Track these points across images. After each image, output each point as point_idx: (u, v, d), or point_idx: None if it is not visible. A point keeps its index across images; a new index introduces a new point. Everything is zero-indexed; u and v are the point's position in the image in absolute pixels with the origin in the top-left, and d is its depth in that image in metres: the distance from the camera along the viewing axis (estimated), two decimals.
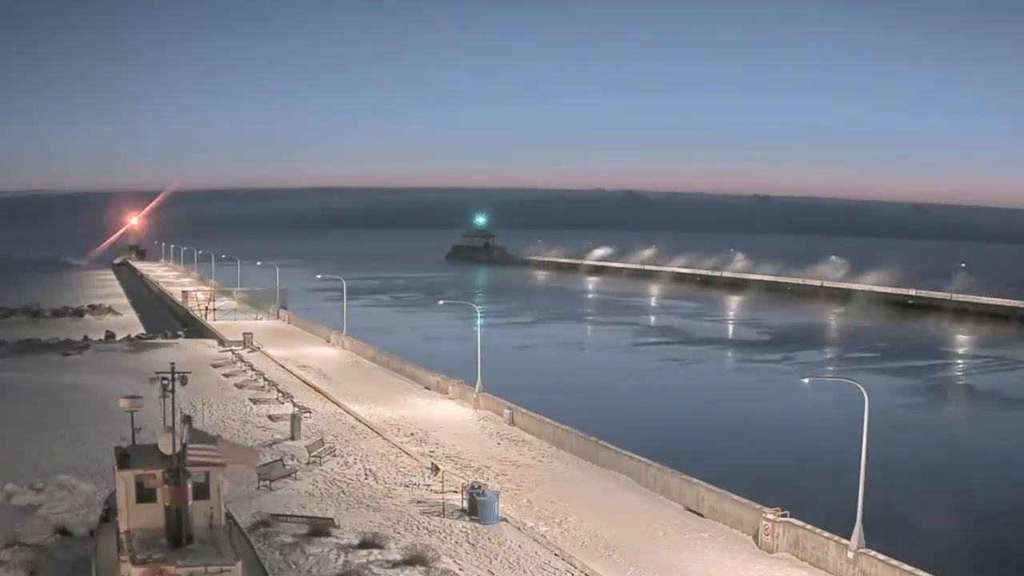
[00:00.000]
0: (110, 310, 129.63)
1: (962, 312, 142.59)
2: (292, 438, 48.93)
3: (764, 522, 33.80)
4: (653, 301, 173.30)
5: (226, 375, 69.52)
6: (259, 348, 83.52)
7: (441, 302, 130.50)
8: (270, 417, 54.64)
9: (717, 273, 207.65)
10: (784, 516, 33.55)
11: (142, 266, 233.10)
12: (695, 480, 38.60)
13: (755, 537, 34.37)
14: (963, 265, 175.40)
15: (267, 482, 39.94)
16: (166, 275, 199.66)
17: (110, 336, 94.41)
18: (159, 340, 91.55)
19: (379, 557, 31.19)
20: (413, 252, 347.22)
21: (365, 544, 32.13)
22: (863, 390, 31.62)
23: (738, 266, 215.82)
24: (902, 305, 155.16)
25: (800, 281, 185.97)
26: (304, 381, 67.97)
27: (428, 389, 65.23)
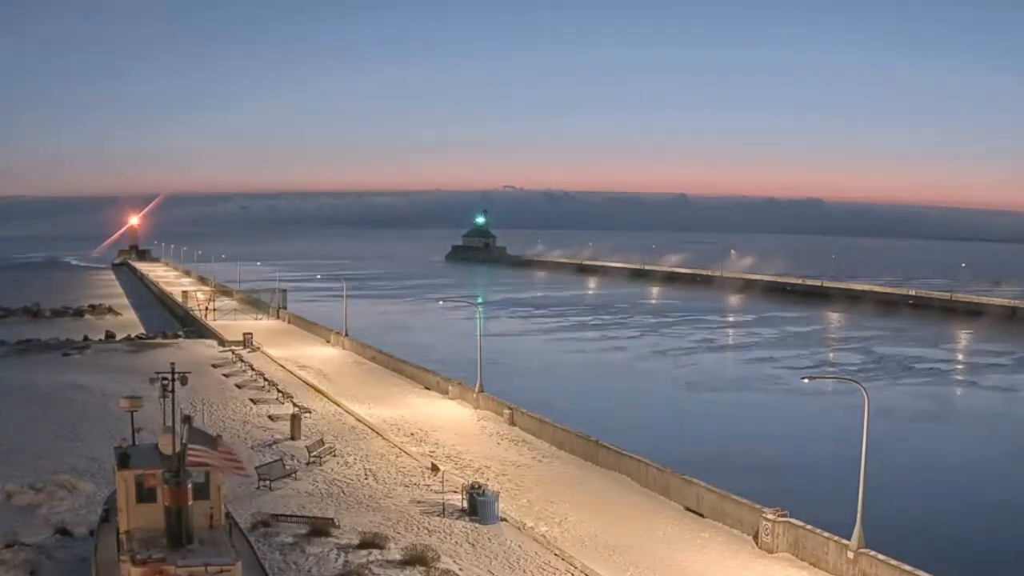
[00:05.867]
0: (110, 310, 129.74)
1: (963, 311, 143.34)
2: (292, 438, 48.89)
3: (764, 522, 33.76)
4: (653, 301, 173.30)
5: (226, 375, 69.48)
6: (259, 348, 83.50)
7: (440, 302, 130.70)
8: (270, 417, 54.60)
9: (717, 273, 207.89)
10: (784, 516, 33.50)
11: (142, 266, 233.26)
12: (695, 480, 38.52)
13: (755, 537, 34.34)
14: (963, 265, 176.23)
15: (267, 482, 39.91)
16: (166, 275, 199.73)
17: (110, 336, 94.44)
18: (159, 340, 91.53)
19: (379, 557, 31.16)
20: (413, 252, 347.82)
21: (365, 544, 32.09)
22: (863, 390, 31.56)
23: (744, 266, 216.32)
24: (902, 304, 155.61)
25: (800, 281, 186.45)
26: (304, 381, 67.93)
27: (428, 389, 65.19)
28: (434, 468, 42.91)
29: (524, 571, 31.05)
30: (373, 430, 52.12)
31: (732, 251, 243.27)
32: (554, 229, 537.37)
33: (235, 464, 24.74)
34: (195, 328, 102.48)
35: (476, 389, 58.82)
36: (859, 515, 30.47)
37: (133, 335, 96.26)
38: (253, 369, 71.48)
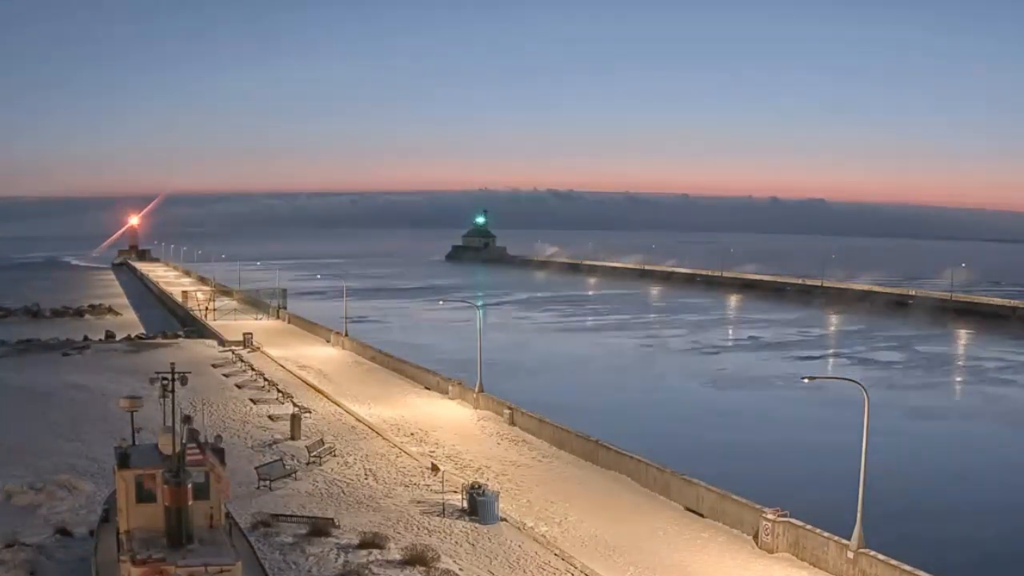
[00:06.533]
0: (110, 310, 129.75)
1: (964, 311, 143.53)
2: (292, 438, 48.90)
3: (764, 522, 33.77)
4: (652, 301, 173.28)
5: (226, 375, 69.49)
6: (259, 348, 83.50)
7: (441, 302, 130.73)
8: (270, 417, 54.61)
9: (718, 273, 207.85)
10: (784, 516, 33.50)
11: (142, 266, 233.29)
12: (695, 480, 38.54)
13: (755, 537, 34.34)
14: (963, 265, 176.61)
15: (267, 482, 39.93)
16: (166, 275, 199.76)
17: (110, 336, 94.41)
18: (159, 340, 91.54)
19: (379, 557, 31.17)
20: (414, 252, 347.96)
21: (365, 544, 32.11)
22: (863, 389, 31.55)
23: (744, 267, 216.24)
24: (903, 304, 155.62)
25: (800, 281, 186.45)
26: (304, 381, 67.94)
27: (428, 389, 65.19)
28: (434, 468, 42.92)
29: (524, 571, 31.06)
30: (373, 430, 52.13)
31: (732, 251, 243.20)
32: (554, 229, 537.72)
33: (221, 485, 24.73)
34: (195, 328, 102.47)
35: (476, 389, 58.82)
36: (859, 515, 30.47)
37: (133, 335, 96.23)
38: (253, 369, 71.49)
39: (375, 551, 31.62)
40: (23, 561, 29.96)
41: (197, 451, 24.68)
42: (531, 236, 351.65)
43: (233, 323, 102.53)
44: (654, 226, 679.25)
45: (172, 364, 27.07)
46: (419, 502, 38.41)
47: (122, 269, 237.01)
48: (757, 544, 34.04)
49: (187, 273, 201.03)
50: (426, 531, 34.68)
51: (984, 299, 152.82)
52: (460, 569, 30.77)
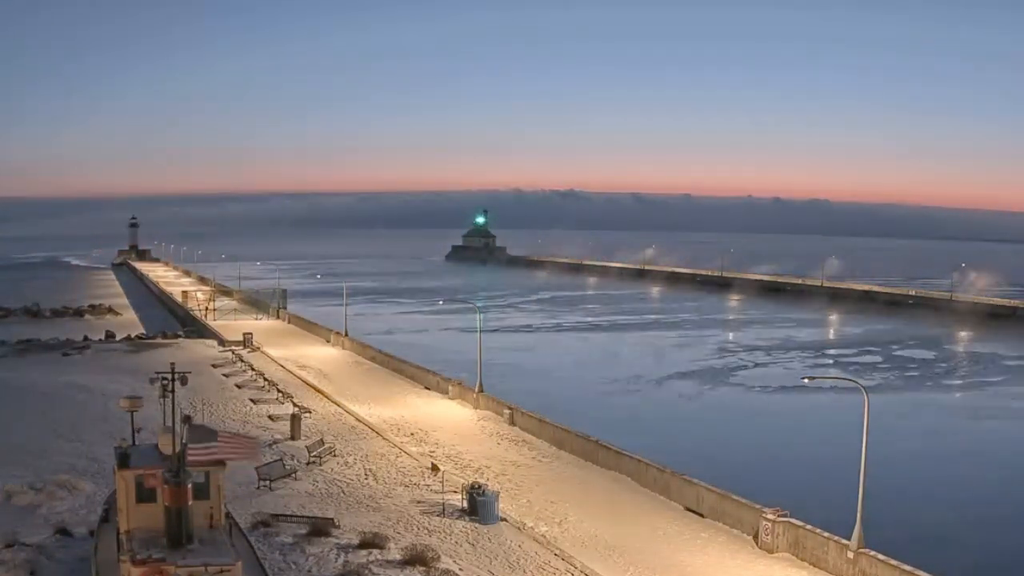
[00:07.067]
0: (110, 310, 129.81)
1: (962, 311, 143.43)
2: (292, 438, 48.88)
3: (764, 522, 33.76)
4: (652, 301, 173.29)
5: (226, 375, 69.48)
6: (259, 348, 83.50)
7: (441, 302, 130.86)
8: (270, 417, 54.60)
9: (716, 273, 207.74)
10: (784, 516, 33.51)
11: (142, 266, 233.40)
12: (695, 480, 38.54)
13: (755, 537, 34.34)
14: (963, 265, 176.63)
15: (267, 482, 39.90)
16: (166, 275, 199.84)
17: (110, 336, 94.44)
18: (159, 340, 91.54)
19: (379, 557, 31.16)
20: (415, 252, 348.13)
21: (365, 544, 32.09)
22: (863, 390, 31.57)
23: (744, 266, 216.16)
24: (903, 304, 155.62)
25: (800, 281, 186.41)
26: (304, 381, 67.94)
27: (428, 389, 65.20)
28: (434, 468, 42.92)
29: (524, 571, 31.04)
30: (373, 430, 52.12)
31: (731, 251, 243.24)
32: (557, 229, 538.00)
33: (241, 449, 24.67)
34: (195, 328, 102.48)
35: (476, 389, 58.82)
36: (859, 515, 30.47)
37: (133, 335, 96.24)
38: (253, 369, 71.48)
39: (375, 551, 31.61)
40: (23, 561, 29.94)
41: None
42: (534, 236, 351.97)
43: (233, 323, 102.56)
44: (657, 226, 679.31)
45: (172, 364, 27.05)
46: (419, 502, 38.40)
47: (122, 269, 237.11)
48: (757, 544, 34.04)
49: (187, 273, 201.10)
50: (426, 531, 34.67)
51: (984, 299, 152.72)
52: (460, 569, 30.76)
